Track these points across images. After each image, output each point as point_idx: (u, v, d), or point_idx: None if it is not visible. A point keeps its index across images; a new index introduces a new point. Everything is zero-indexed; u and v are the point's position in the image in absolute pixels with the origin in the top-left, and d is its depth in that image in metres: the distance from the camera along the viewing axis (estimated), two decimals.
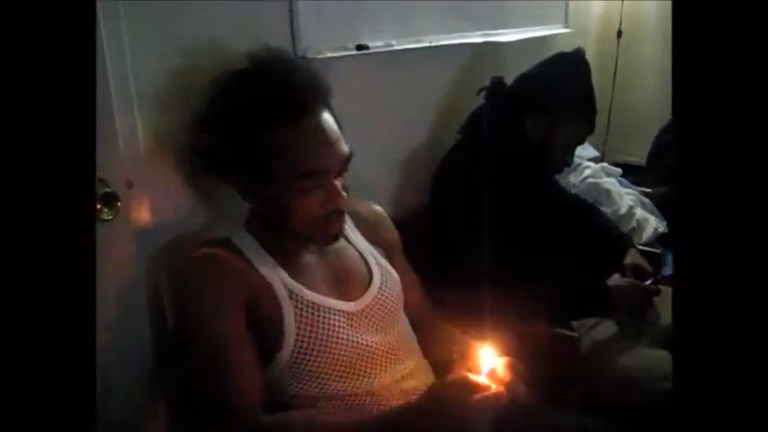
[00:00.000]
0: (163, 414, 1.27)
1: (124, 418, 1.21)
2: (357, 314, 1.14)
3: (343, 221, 1.14)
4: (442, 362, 1.21)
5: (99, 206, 1.08)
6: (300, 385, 1.07)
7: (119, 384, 1.18)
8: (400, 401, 1.09)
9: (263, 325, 1.06)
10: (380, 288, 1.19)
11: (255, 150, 1.06)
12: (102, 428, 0.83)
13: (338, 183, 1.09)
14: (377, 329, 1.15)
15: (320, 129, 1.07)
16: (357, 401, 1.08)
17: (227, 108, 1.09)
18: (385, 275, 1.22)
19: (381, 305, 1.18)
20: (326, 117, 1.09)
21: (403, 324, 1.24)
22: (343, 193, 1.09)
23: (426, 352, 1.25)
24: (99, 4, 0.99)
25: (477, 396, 0.89)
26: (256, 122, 1.05)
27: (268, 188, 1.08)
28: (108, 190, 1.09)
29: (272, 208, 1.11)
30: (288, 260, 1.13)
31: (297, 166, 1.05)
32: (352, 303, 1.15)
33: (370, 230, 1.29)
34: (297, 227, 1.10)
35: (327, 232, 1.12)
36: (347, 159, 1.10)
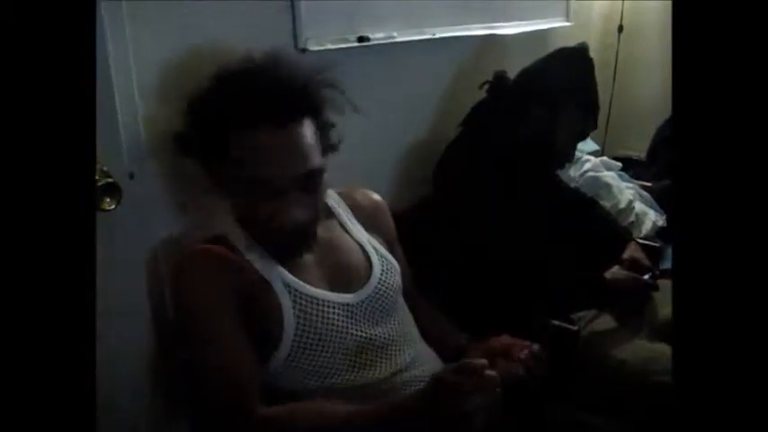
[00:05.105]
0: (162, 408, 1.27)
1: (122, 410, 1.21)
2: (357, 306, 1.14)
3: (309, 240, 1.12)
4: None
5: (101, 196, 1.09)
6: (300, 380, 1.08)
7: (115, 374, 1.18)
8: (402, 392, 1.09)
9: (262, 320, 1.07)
10: (380, 278, 1.20)
11: (231, 150, 1.06)
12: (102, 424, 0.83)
13: (299, 195, 1.07)
14: (377, 320, 1.16)
15: (281, 140, 1.04)
16: (357, 395, 1.09)
17: (207, 101, 1.09)
18: (385, 265, 1.23)
19: (382, 295, 1.18)
20: (299, 129, 1.06)
21: (403, 312, 1.24)
22: (296, 209, 1.06)
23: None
24: None
25: (478, 382, 0.90)
26: (222, 118, 1.05)
27: (235, 188, 1.09)
28: (110, 181, 1.09)
29: (238, 206, 1.12)
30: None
31: (247, 170, 1.04)
32: (351, 295, 1.15)
33: (369, 220, 1.29)
34: (260, 230, 1.10)
35: (288, 245, 1.11)
36: (313, 174, 1.07)
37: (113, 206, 1.10)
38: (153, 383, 1.26)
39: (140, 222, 1.18)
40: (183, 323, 1.09)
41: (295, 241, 1.11)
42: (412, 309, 1.30)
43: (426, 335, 1.28)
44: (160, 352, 1.24)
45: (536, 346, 1.17)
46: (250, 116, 1.04)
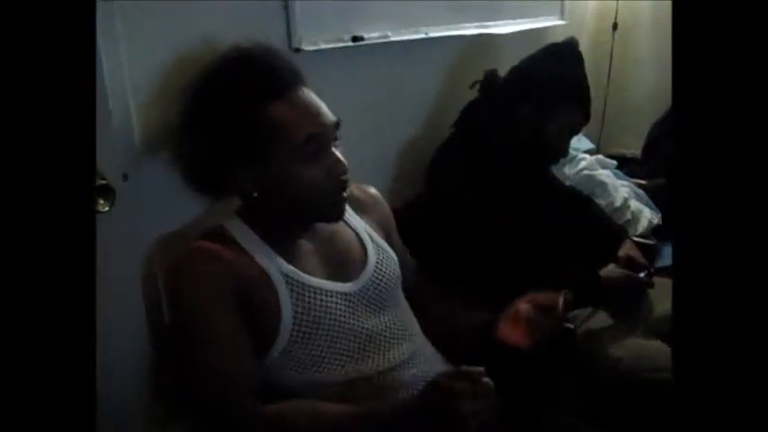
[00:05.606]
0: (160, 408, 1.27)
1: (119, 409, 1.21)
2: (354, 295, 1.14)
3: (346, 195, 1.13)
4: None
5: (95, 198, 1.08)
6: (298, 371, 1.07)
7: (115, 374, 1.18)
8: (399, 390, 1.09)
9: (260, 312, 1.06)
10: (376, 267, 1.19)
11: (255, 130, 1.06)
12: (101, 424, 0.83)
13: (336, 150, 1.10)
14: (375, 310, 1.16)
15: (308, 97, 1.10)
16: (353, 389, 1.08)
17: (215, 102, 1.08)
18: (381, 254, 1.22)
19: (378, 284, 1.18)
20: (308, 89, 1.12)
21: (402, 306, 1.24)
22: (344, 160, 1.10)
23: (427, 330, 1.25)
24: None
25: (475, 389, 0.90)
26: (250, 103, 1.06)
27: (271, 169, 1.08)
28: (104, 182, 1.09)
29: (276, 189, 1.10)
30: (283, 246, 1.13)
31: (298, 132, 1.06)
32: (349, 284, 1.15)
33: (366, 211, 1.29)
34: (304, 201, 1.10)
35: (334, 205, 1.12)
36: (337, 125, 1.11)
37: (107, 208, 1.09)
38: (150, 384, 1.25)
39: (135, 224, 1.17)
40: (180, 322, 1.09)
41: (343, 199, 1.13)
42: (422, 297, 1.30)
43: (445, 320, 1.29)
44: (156, 351, 1.24)
45: (564, 293, 1.22)
46: (279, 84, 1.07)
